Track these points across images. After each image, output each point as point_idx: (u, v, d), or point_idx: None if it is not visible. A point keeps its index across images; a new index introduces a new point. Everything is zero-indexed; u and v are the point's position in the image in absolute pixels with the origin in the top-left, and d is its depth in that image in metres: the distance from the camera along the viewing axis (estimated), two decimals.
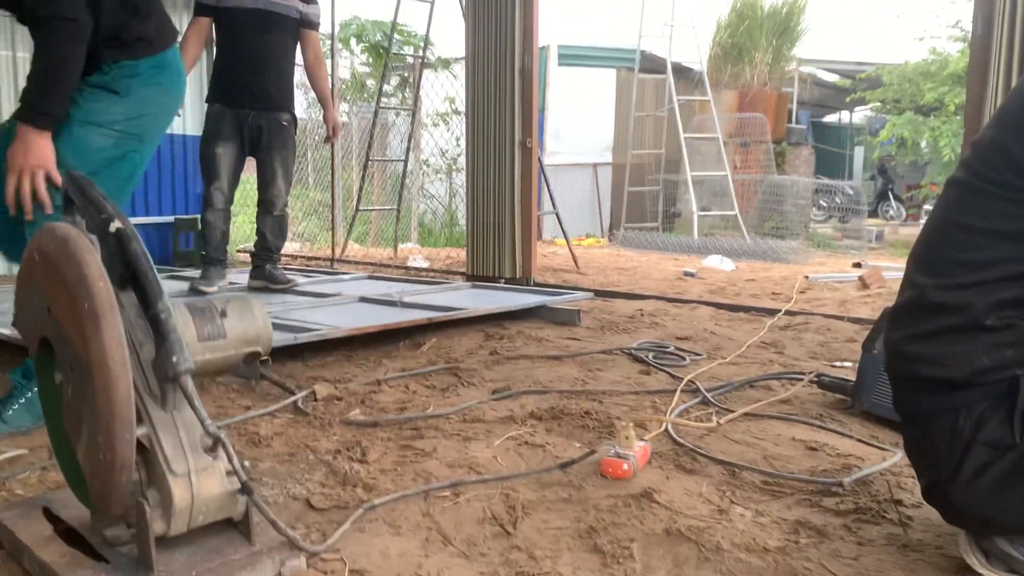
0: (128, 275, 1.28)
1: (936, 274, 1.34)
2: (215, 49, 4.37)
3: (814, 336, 3.69)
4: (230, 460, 1.26)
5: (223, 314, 1.40)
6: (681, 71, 11.93)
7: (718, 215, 10.49)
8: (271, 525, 1.31)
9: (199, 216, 4.45)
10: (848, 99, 15.31)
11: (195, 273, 4.68)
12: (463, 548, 1.53)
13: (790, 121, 13.40)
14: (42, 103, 2.11)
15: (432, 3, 6.75)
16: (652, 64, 11.59)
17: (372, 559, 1.46)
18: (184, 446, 1.26)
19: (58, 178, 2.08)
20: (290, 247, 8.50)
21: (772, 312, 4.30)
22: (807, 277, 5.97)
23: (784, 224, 10.63)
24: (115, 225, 1.30)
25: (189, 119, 6.24)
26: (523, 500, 1.73)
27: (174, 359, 1.22)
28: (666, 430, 2.17)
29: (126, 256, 1.28)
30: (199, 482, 1.25)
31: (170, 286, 4.61)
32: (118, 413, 1.15)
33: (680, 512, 1.67)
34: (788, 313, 4.27)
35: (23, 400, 2.19)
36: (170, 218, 6.81)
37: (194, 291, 4.25)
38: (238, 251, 7.29)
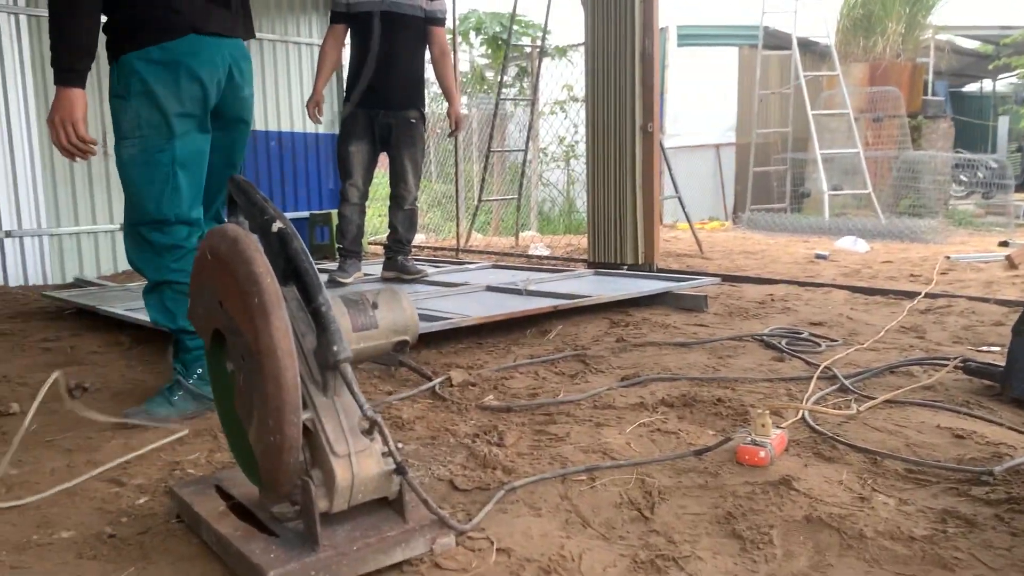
0: (290, 271, 1.38)
1: None
2: (349, 53, 4.56)
3: (958, 320, 3.53)
4: (386, 442, 1.34)
5: (374, 306, 1.49)
6: (807, 46, 11.51)
7: (850, 194, 10.09)
8: (423, 504, 1.39)
9: (335, 211, 4.66)
10: (991, 66, 14.37)
11: (332, 265, 4.90)
12: (602, 531, 1.58)
13: (926, 93, 12.71)
14: (56, 59, 2.19)
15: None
16: (776, 40, 11.23)
17: (516, 539, 1.52)
18: (344, 429, 1.35)
19: (81, 130, 2.24)
20: (416, 238, 8.75)
21: (911, 295, 4.13)
22: (948, 257, 5.68)
23: (921, 202, 10.12)
24: (277, 225, 1.41)
25: (323, 118, 6.54)
26: (659, 485, 1.76)
27: (335, 348, 1.31)
28: (803, 418, 2.14)
29: (288, 254, 1.38)
30: (358, 462, 1.34)
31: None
32: (287, 399, 1.24)
33: (820, 499, 1.66)
34: (929, 296, 4.09)
35: (187, 387, 2.38)
36: (305, 213, 7.14)
37: (332, 282, 4.46)
38: (370, 243, 7.55)
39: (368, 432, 1.36)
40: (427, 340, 3.24)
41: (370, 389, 2.65)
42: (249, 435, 1.38)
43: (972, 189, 12.03)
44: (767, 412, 1.90)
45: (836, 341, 3.13)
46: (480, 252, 6.98)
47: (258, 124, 6.85)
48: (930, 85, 13.20)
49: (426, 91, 4.85)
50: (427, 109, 4.68)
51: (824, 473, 1.80)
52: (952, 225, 9.12)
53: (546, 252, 6.70)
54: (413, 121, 4.46)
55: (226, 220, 1.67)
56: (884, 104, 11.05)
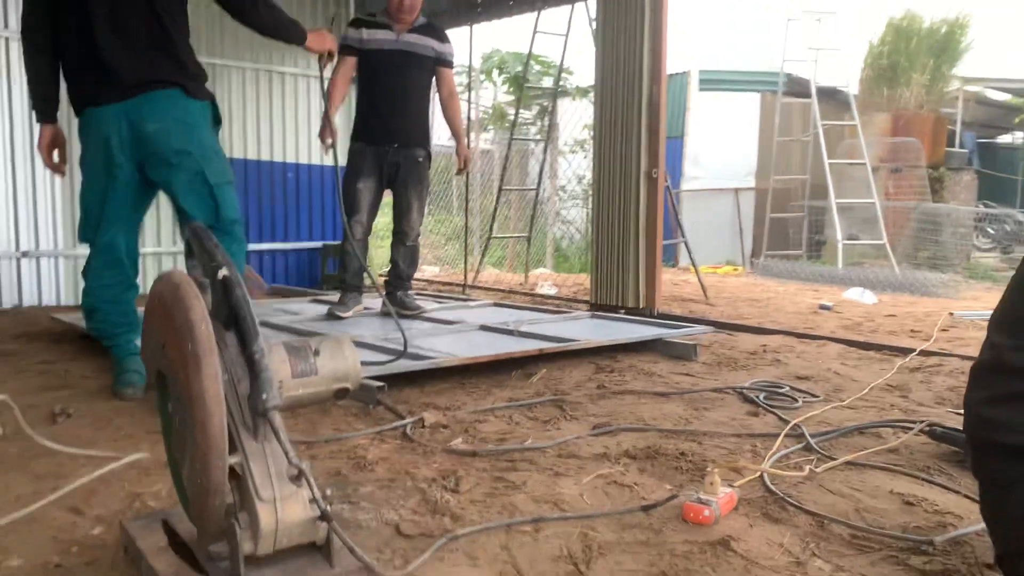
0: (231, 318, 1.44)
1: (1014, 335, 1.30)
2: (357, 89, 4.66)
3: (945, 380, 3.51)
4: (311, 489, 1.38)
5: (316, 353, 1.53)
6: (830, 94, 11.55)
7: (866, 244, 10.05)
8: (349, 551, 1.42)
9: (333, 242, 4.74)
10: (1018, 119, 14.29)
11: (335, 298, 4.97)
12: None
13: (952, 144, 12.66)
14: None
15: (566, 35, 6.88)
16: (798, 87, 11.29)
17: None
18: (272, 474, 1.39)
19: (43, 155, 3.08)
20: (429, 271, 8.84)
21: (905, 351, 4.11)
22: (952, 314, 5.65)
23: (941, 254, 10.06)
24: (222, 273, 1.46)
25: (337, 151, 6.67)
26: (601, 540, 1.77)
27: (264, 396, 1.35)
28: (760, 476, 2.15)
29: (229, 301, 1.43)
30: (283, 507, 1.38)
31: (313, 309, 4.93)
32: (212, 444, 1.29)
33: (755, 562, 1.67)
34: (923, 353, 4.07)
35: None
36: (319, 243, 7.25)
37: (331, 316, 4.52)
38: (380, 275, 7.64)
39: (296, 479, 1.40)
40: (411, 379, 3.28)
41: (344, 426, 2.69)
42: (184, 475, 1.43)
43: (999, 243, 11.93)
44: (715, 470, 1.91)
45: (817, 397, 3.13)
46: (487, 289, 7.04)
47: (276, 155, 7.00)
48: (957, 136, 13.15)
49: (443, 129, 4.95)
50: (449, 143, 4.78)
51: (767, 535, 1.81)
52: (968, 279, 9.05)
53: (552, 291, 6.74)
54: (420, 160, 4.55)
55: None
56: (905, 155, 11.03)
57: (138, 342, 2.88)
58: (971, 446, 1.39)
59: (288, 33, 3.13)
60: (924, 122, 11.68)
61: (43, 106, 2.99)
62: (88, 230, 3.05)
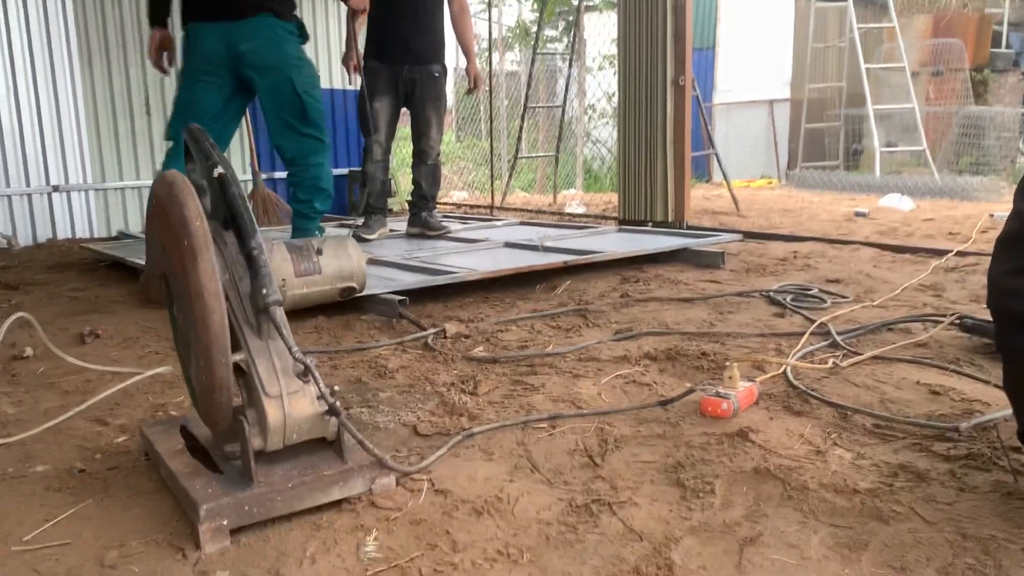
0: (229, 216, 1.42)
1: None
2: (369, 6, 4.55)
3: (982, 279, 3.41)
4: (317, 384, 1.38)
5: (319, 252, 1.52)
6: None
7: (905, 151, 9.75)
8: (360, 445, 1.42)
9: (360, 168, 4.70)
10: None
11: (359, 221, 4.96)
12: (548, 476, 1.59)
13: (996, 45, 12.13)
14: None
15: None
16: None
17: (458, 481, 1.55)
18: (277, 371, 1.39)
19: (151, 56, 3.64)
20: (457, 196, 8.78)
21: (942, 253, 4.00)
22: (993, 215, 5.48)
23: (985, 159, 9.73)
24: (218, 171, 1.44)
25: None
26: (617, 435, 1.76)
27: (264, 291, 1.34)
28: (784, 372, 2.11)
29: (225, 198, 1.41)
30: (290, 403, 1.38)
31: (340, 235, 4.92)
32: (214, 339, 1.28)
33: (774, 452, 1.64)
34: (959, 254, 3.96)
35: None
36: (345, 170, 7.21)
37: (357, 238, 4.52)
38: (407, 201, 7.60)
39: (303, 375, 1.39)
40: (434, 294, 3.27)
41: (366, 339, 2.70)
42: (190, 375, 1.43)
43: None
44: (734, 365, 1.88)
45: (846, 298, 3.07)
46: (515, 210, 6.98)
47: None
48: (1004, 37, 12.59)
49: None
50: (479, 66, 4.71)
51: (788, 427, 1.78)
52: (1012, 182, 8.75)
53: (581, 210, 6.66)
54: (436, 75, 4.46)
55: None
56: (946, 57, 10.59)
57: None
58: (994, 319, 1.33)
59: None
60: (967, 22, 11.17)
61: (156, 12, 3.58)
62: (174, 129, 3.55)
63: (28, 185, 5.52)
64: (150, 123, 5.99)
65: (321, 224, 3.96)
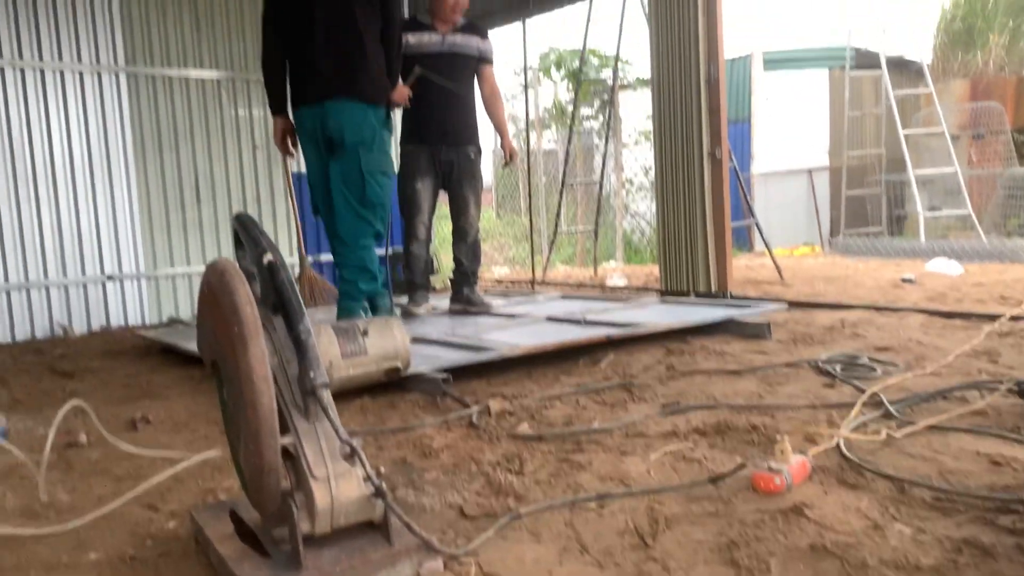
0: (278, 301, 1.45)
1: None
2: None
3: None
4: (363, 466, 1.38)
5: (364, 333, 1.54)
6: (902, 65, 11.14)
7: (950, 215, 9.64)
8: (407, 528, 1.42)
9: (403, 247, 4.79)
10: None
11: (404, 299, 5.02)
12: (598, 557, 1.56)
13: None
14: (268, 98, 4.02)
15: (620, 23, 6.81)
16: (868, 60, 10.92)
17: (507, 564, 1.52)
18: (324, 453, 1.40)
19: (276, 141, 4.10)
20: (498, 272, 8.85)
21: (993, 317, 3.91)
22: None
23: None
24: (267, 258, 1.48)
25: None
26: (667, 513, 1.73)
27: (311, 374, 1.36)
28: (836, 444, 2.06)
29: (275, 284, 1.45)
30: (338, 486, 1.38)
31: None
32: (263, 423, 1.30)
33: (830, 527, 1.60)
34: (1013, 318, 3.87)
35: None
36: (386, 251, 7.32)
37: (406, 313, 4.59)
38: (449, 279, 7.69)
39: (349, 457, 1.40)
40: (478, 371, 3.28)
41: (411, 418, 2.70)
42: (240, 459, 1.44)
43: None
44: (785, 439, 1.85)
45: (897, 366, 3.00)
46: (557, 284, 7.00)
47: None
48: None
49: (511, 128, 5.00)
50: (515, 145, 4.84)
51: (843, 501, 1.73)
52: None
53: (622, 282, 6.67)
54: (473, 156, 4.59)
55: None
56: (987, 120, 10.55)
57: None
58: None
59: (393, 69, 3.93)
60: (1005, 85, 11.14)
61: (275, 102, 3.96)
62: (315, 200, 4.02)
63: (84, 274, 5.69)
64: (200, 212, 6.18)
65: (389, 300, 4.14)
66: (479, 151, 4.64)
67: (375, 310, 4.11)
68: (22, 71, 5.38)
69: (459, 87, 4.51)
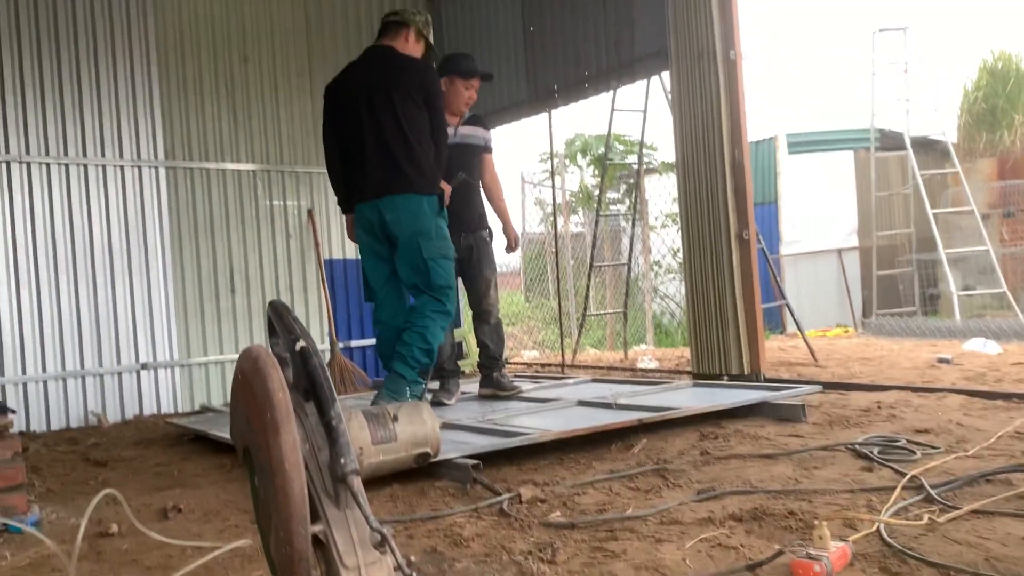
0: (309, 386, 1.46)
1: None
2: None
3: None
4: (394, 555, 1.36)
5: (395, 419, 1.54)
6: (927, 144, 11.20)
7: (985, 293, 9.53)
8: None
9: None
10: None
11: (435, 385, 5.02)
12: None
13: None
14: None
15: (644, 110, 6.95)
16: (893, 141, 11.00)
17: None
18: (355, 542, 1.38)
19: (350, 236, 4.36)
20: (528, 355, 8.84)
21: None
22: None
23: None
24: (300, 344, 1.50)
25: None
26: None
27: (342, 461, 1.36)
28: (877, 530, 2.00)
29: (307, 370, 1.46)
30: (368, 575, 1.37)
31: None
32: (294, 511, 1.29)
33: None
34: None
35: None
36: None
37: (436, 403, 4.57)
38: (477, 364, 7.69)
39: (380, 545, 1.39)
40: (508, 456, 3.25)
41: (441, 506, 2.67)
42: (270, 547, 1.43)
43: None
44: (824, 524, 1.80)
45: (937, 449, 2.93)
46: (587, 367, 6.97)
47: None
48: None
49: (535, 212, 5.11)
50: (540, 229, 4.98)
51: None
52: None
53: (653, 365, 6.62)
54: (487, 239, 4.73)
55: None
56: (1017, 198, 10.53)
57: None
58: None
59: (441, 160, 4.08)
60: None
61: (345, 204, 4.25)
62: (368, 291, 4.25)
63: (119, 364, 5.77)
64: (234, 300, 6.28)
65: (421, 381, 4.09)
66: (491, 234, 4.80)
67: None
68: (66, 167, 5.59)
69: (473, 177, 4.68)
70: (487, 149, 4.84)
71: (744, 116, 5.14)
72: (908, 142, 9.88)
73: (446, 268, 4.04)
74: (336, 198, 4.35)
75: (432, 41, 4.31)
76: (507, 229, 4.92)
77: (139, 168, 5.89)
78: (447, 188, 4.24)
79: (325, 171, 6.91)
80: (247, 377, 1.43)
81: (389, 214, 3.97)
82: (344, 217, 4.40)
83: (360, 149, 4.04)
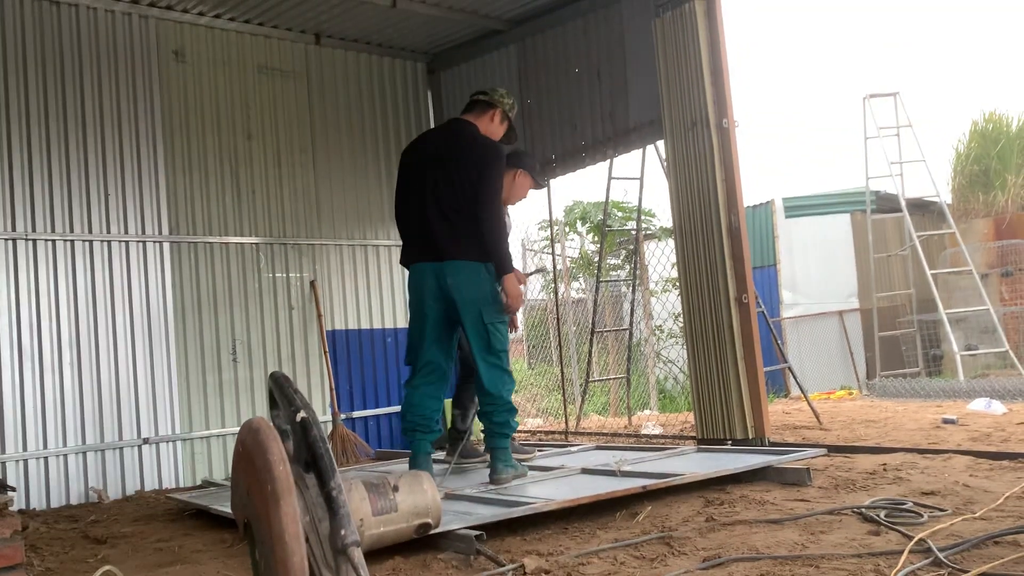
0: (310, 458, 1.47)
1: None
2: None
3: None
4: None
5: (395, 489, 1.55)
6: (923, 206, 11.32)
7: (988, 352, 9.51)
8: None
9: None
10: None
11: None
12: None
13: None
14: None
15: (640, 177, 7.07)
16: (889, 203, 11.13)
17: None
18: None
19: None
20: (532, 423, 8.78)
21: None
22: None
23: None
24: (300, 415, 1.51)
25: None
26: None
27: (342, 532, 1.36)
28: None
29: (307, 441, 1.47)
30: None
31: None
32: None
33: None
34: None
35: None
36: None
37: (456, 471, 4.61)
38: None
39: None
40: (511, 527, 3.22)
41: None
42: None
43: None
44: None
45: (945, 511, 2.91)
46: (591, 434, 6.92)
47: (375, 323, 7.22)
48: None
49: (538, 278, 5.24)
50: (542, 296, 5.10)
51: None
52: None
53: (657, 431, 6.58)
54: None
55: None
56: (1014, 258, 10.60)
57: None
58: None
59: (499, 256, 4.07)
60: None
61: (404, 260, 4.35)
62: (411, 354, 4.23)
63: (121, 439, 5.74)
64: (236, 372, 6.28)
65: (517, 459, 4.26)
66: None
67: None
68: (72, 243, 5.66)
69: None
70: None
71: (739, 182, 5.22)
72: (903, 204, 9.99)
73: (504, 333, 4.18)
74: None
75: (514, 125, 4.54)
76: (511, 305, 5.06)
77: (144, 243, 5.95)
78: (522, 278, 4.37)
79: (327, 243, 6.99)
80: (248, 449, 1.44)
81: (451, 278, 4.06)
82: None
83: (419, 212, 4.17)
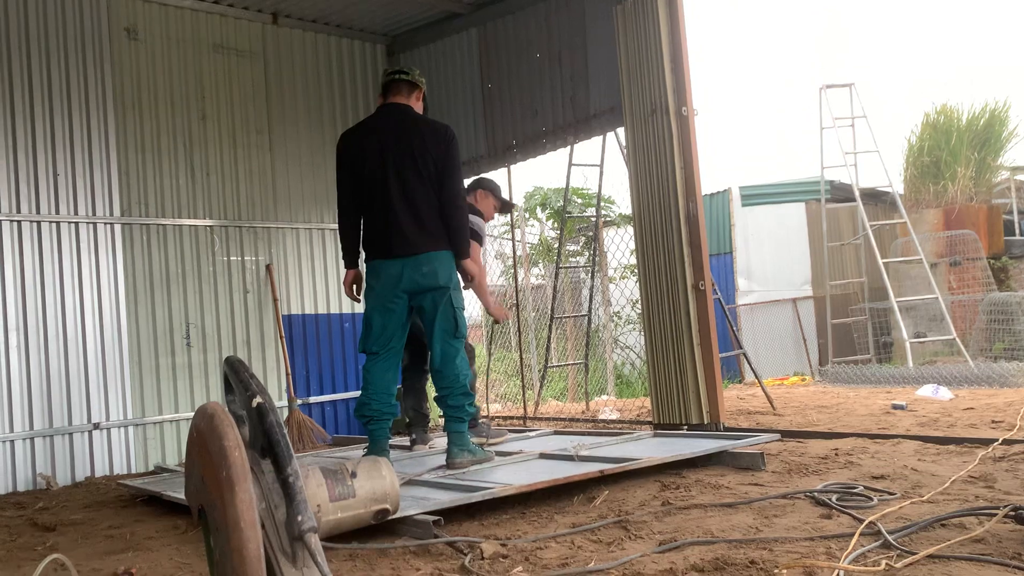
0: (266, 444, 1.45)
1: None
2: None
3: None
4: None
5: (353, 475, 1.53)
6: (874, 196, 11.53)
7: (936, 340, 9.75)
8: None
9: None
10: None
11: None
12: None
13: (1010, 233, 12.43)
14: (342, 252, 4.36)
15: (601, 164, 7.08)
16: (843, 192, 11.32)
17: None
18: None
19: (347, 291, 4.43)
20: (491, 408, 8.79)
21: (988, 442, 3.91)
22: None
23: (1019, 344, 9.68)
24: (256, 400, 1.49)
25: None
26: None
27: (299, 518, 1.35)
28: None
29: (263, 427, 1.45)
30: None
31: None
32: (250, 570, 1.28)
33: None
34: (1006, 442, 3.86)
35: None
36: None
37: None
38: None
39: None
40: (469, 512, 3.22)
41: (401, 564, 2.63)
42: None
43: None
44: (784, 572, 1.81)
45: (894, 494, 2.97)
46: (548, 419, 6.95)
47: (332, 308, 7.16)
48: (1016, 225, 12.91)
49: (497, 265, 5.32)
50: (501, 281, 5.21)
51: None
52: None
53: (615, 416, 6.63)
54: None
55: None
56: (962, 248, 10.85)
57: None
58: None
59: (459, 239, 4.17)
60: (976, 214, 11.52)
61: (349, 258, 4.31)
62: (370, 343, 4.19)
63: (70, 424, 5.63)
64: (190, 356, 6.18)
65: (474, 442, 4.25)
66: None
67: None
68: (19, 224, 5.50)
69: None
70: (475, 236, 4.90)
71: (698, 170, 5.26)
72: (857, 194, 10.16)
73: (464, 319, 4.26)
74: (343, 254, 4.36)
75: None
76: (489, 311, 5.26)
77: (94, 225, 5.81)
78: (477, 264, 4.53)
79: (283, 226, 6.86)
80: (202, 435, 1.42)
81: (425, 267, 4.07)
82: (346, 272, 4.40)
83: (384, 207, 4.12)
